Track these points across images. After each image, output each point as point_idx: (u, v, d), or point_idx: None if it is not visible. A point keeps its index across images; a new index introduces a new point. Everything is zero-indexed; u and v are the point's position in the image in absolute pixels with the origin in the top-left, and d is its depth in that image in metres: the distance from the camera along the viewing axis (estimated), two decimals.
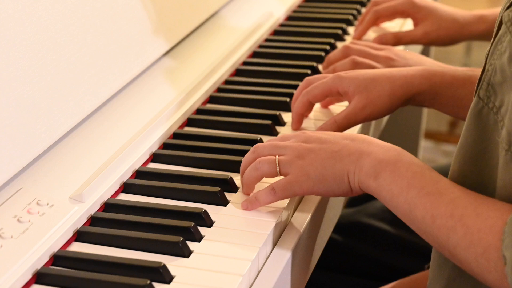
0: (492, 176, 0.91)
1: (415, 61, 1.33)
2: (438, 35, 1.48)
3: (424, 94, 1.17)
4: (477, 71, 1.20)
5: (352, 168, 0.95)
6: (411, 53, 1.37)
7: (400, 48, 1.46)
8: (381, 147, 0.95)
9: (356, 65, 1.31)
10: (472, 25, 1.48)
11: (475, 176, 0.93)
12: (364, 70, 1.20)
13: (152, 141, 1.12)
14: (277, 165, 0.98)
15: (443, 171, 1.56)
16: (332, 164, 0.96)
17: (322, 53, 1.43)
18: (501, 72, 0.88)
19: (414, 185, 0.90)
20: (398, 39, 1.49)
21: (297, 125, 1.20)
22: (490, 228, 0.84)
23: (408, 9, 1.49)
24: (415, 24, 1.51)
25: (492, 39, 0.95)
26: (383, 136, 1.59)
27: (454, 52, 3.14)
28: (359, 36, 1.53)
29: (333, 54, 1.37)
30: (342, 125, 1.16)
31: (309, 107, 1.20)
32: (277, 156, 0.98)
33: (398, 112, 1.25)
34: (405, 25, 1.60)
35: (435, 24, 1.48)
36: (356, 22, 1.61)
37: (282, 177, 0.99)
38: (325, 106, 1.26)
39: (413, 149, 2.26)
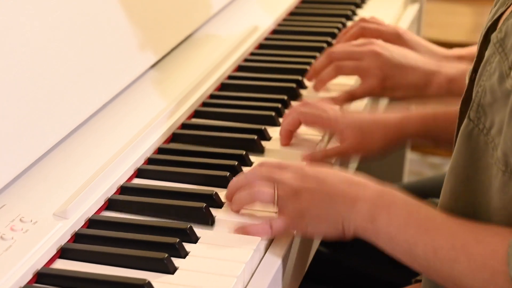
0: (484, 197, 0.91)
1: (399, 53, 1.35)
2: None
3: (417, 138, 1.21)
4: None
5: (347, 215, 0.95)
6: (395, 46, 1.38)
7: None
8: (376, 191, 0.95)
9: (340, 70, 1.33)
10: (451, 62, 1.48)
11: (467, 198, 0.93)
12: (361, 115, 1.21)
13: (136, 156, 1.12)
14: (275, 201, 0.97)
15: (430, 183, 1.57)
16: (327, 208, 0.96)
17: (307, 67, 1.42)
18: (491, 93, 0.88)
19: (411, 223, 0.91)
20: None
21: (286, 141, 1.20)
22: (494, 253, 0.85)
23: (394, 39, 1.49)
24: None
25: (475, 59, 0.95)
26: None
27: None
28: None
29: (317, 63, 1.37)
30: (330, 157, 1.18)
31: (299, 126, 1.20)
32: (275, 192, 0.97)
33: None
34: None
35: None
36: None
37: None
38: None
39: (399, 162, 2.25)
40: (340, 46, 1.36)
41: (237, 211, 1.01)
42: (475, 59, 0.96)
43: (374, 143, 1.18)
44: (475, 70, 0.95)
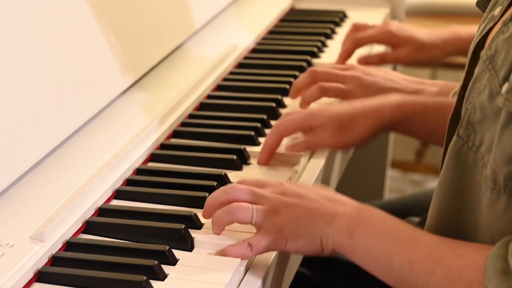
0: (471, 215, 0.91)
1: (381, 77, 1.35)
2: (422, 57, 1.52)
3: (396, 124, 1.20)
4: (450, 99, 1.21)
5: (326, 230, 0.94)
6: (378, 69, 1.39)
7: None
8: (355, 207, 0.95)
9: (324, 91, 1.33)
10: (450, 44, 1.51)
11: (454, 215, 0.93)
12: (338, 107, 1.22)
13: (115, 178, 1.11)
14: (254, 216, 0.97)
15: (411, 201, 1.57)
16: (307, 224, 0.95)
17: (287, 86, 1.42)
18: (481, 110, 0.88)
19: (389, 237, 0.91)
20: (382, 59, 1.52)
21: (265, 160, 1.19)
22: (471, 264, 0.85)
23: (387, 39, 1.52)
24: (393, 49, 1.55)
25: (464, 75, 0.95)
26: (351, 166, 1.59)
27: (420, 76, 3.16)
28: (342, 63, 1.55)
29: (299, 80, 1.37)
30: (312, 147, 1.20)
31: (280, 141, 1.20)
32: (254, 206, 0.97)
33: None
34: None
35: (417, 48, 1.51)
36: (320, 54, 1.61)
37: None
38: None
39: (380, 179, 2.25)
40: (323, 67, 1.37)
41: (218, 233, 1.00)
42: (464, 75, 0.96)
43: (354, 130, 1.18)
44: (464, 87, 0.95)
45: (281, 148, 1.21)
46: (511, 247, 0.82)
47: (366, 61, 1.51)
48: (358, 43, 1.53)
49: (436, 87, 1.34)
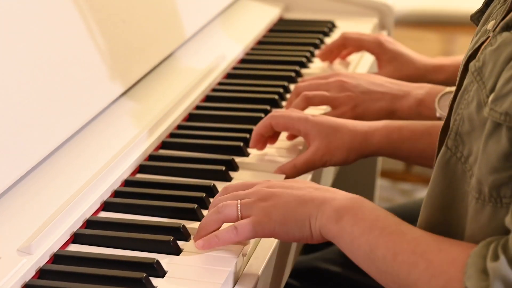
0: (459, 226, 0.91)
1: (365, 80, 1.36)
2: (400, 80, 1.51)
3: (383, 150, 1.21)
4: (437, 122, 1.22)
5: (314, 213, 0.95)
6: (361, 74, 1.39)
7: None
8: (344, 195, 0.96)
9: (309, 100, 1.33)
10: (432, 74, 1.50)
11: (442, 227, 0.93)
12: (329, 117, 1.23)
13: (103, 189, 1.10)
14: (238, 208, 0.97)
15: (402, 211, 1.57)
16: (295, 207, 0.96)
17: (276, 96, 1.42)
18: (469, 121, 0.88)
19: (377, 226, 0.91)
20: None
21: (254, 143, 1.22)
22: (453, 261, 0.85)
23: (375, 48, 1.51)
24: (379, 65, 1.53)
25: (456, 88, 0.95)
26: (340, 175, 1.59)
27: None
28: (324, 58, 1.56)
29: (289, 101, 1.37)
30: (301, 170, 1.20)
31: (270, 131, 1.22)
32: (238, 201, 0.98)
33: None
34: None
35: (398, 70, 1.50)
36: (309, 64, 1.61)
37: None
38: (290, 138, 1.28)
39: (369, 188, 2.25)
40: (306, 81, 1.37)
41: (208, 233, 0.99)
42: (455, 87, 0.96)
43: (339, 149, 1.19)
44: (455, 99, 0.95)
45: (269, 157, 1.22)
46: (491, 247, 0.83)
47: None
48: (346, 42, 1.54)
49: (422, 90, 1.34)
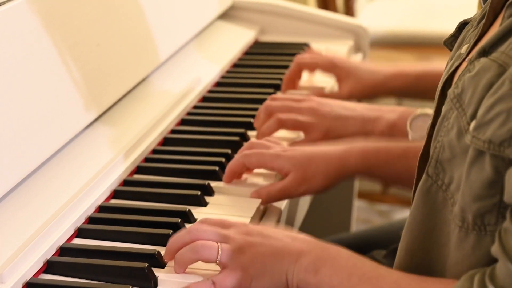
0: (440, 254, 0.90)
1: (337, 105, 1.36)
2: (362, 93, 1.51)
3: (360, 173, 1.21)
4: (414, 143, 1.22)
5: (291, 268, 0.94)
6: (333, 100, 1.39)
7: None
8: (320, 246, 0.95)
9: (282, 123, 1.33)
10: (392, 81, 1.51)
11: (423, 254, 0.93)
12: (301, 148, 1.22)
13: (77, 215, 1.09)
14: (219, 255, 0.96)
15: (378, 233, 1.56)
16: (272, 262, 0.94)
17: (251, 120, 1.41)
18: (450, 149, 0.88)
19: (355, 273, 0.91)
20: (321, 95, 1.50)
21: (228, 180, 1.21)
22: None
23: (329, 68, 1.52)
24: (338, 81, 1.53)
25: (433, 114, 0.95)
26: (317, 197, 1.58)
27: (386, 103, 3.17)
28: (286, 88, 1.56)
29: (256, 119, 1.36)
30: (274, 197, 1.18)
31: (244, 168, 1.21)
32: (219, 245, 0.96)
33: None
34: None
35: (358, 83, 1.50)
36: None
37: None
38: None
39: (347, 209, 2.25)
40: (278, 100, 1.36)
41: (181, 272, 0.99)
42: (432, 114, 0.96)
43: (316, 177, 1.18)
44: (433, 126, 0.95)
45: (246, 182, 1.21)
46: (476, 279, 0.82)
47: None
48: (300, 67, 1.54)
49: (394, 114, 1.35)
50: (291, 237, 0.97)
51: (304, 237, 0.97)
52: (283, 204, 1.21)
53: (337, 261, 0.92)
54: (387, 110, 1.36)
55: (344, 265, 0.92)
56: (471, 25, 0.97)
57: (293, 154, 1.19)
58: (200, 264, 0.98)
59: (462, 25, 1.00)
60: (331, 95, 1.50)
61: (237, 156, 1.21)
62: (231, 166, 1.21)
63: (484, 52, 0.87)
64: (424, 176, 0.92)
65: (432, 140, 0.92)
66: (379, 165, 1.20)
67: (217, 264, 0.96)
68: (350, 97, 1.50)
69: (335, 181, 1.20)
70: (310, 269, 0.92)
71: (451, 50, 1.01)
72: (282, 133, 1.36)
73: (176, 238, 0.99)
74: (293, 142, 1.33)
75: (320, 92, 1.52)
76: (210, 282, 0.95)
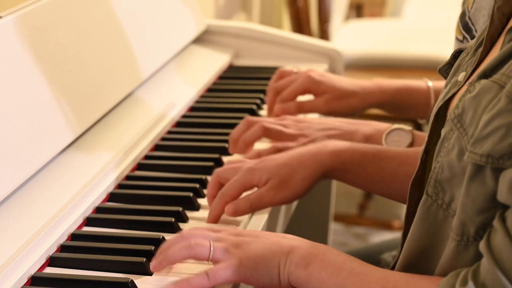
0: (435, 267, 0.93)
1: (317, 121, 1.38)
2: (340, 105, 1.50)
3: (334, 171, 1.21)
4: (386, 147, 1.24)
5: (283, 260, 0.97)
6: (310, 117, 1.40)
7: None
8: (310, 243, 0.99)
9: (267, 131, 1.34)
10: (371, 95, 1.51)
11: (420, 271, 0.95)
12: (274, 156, 1.22)
13: (49, 244, 1.08)
14: (211, 252, 0.99)
15: (357, 255, 1.56)
16: (266, 254, 0.98)
17: (226, 145, 1.41)
18: (450, 169, 0.90)
19: (344, 268, 0.94)
20: (300, 108, 1.50)
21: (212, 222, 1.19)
22: None
23: (309, 85, 1.50)
24: (316, 96, 1.52)
25: (428, 135, 0.98)
26: (293, 219, 1.58)
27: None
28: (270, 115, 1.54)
29: (235, 132, 1.36)
30: (255, 206, 1.18)
31: (221, 187, 1.20)
32: (212, 243, 0.99)
33: (307, 195, 1.25)
34: None
35: (336, 95, 1.49)
36: (259, 112, 1.61)
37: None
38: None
39: (323, 232, 2.24)
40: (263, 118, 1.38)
41: (170, 264, 1.01)
42: (426, 139, 0.99)
43: (294, 180, 1.18)
44: (426, 151, 0.98)
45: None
46: (461, 275, 0.84)
47: (283, 110, 1.49)
48: (279, 90, 1.52)
49: (369, 127, 1.37)
50: (281, 236, 1.01)
51: (293, 236, 1.01)
52: (260, 226, 1.20)
53: (327, 256, 0.96)
54: (362, 123, 1.38)
55: (334, 261, 0.95)
56: (467, 52, 1.00)
57: (266, 164, 1.19)
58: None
59: (457, 53, 1.03)
60: (308, 102, 1.50)
61: (216, 201, 1.18)
62: (208, 191, 1.21)
63: (485, 75, 0.89)
64: (424, 196, 0.94)
65: (426, 163, 0.95)
66: (354, 164, 1.20)
67: (209, 262, 0.99)
68: (327, 107, 1.50)
69: (313, 181, 1.19)
70: (300, 263, 0.96)
71: (445, 77, 1.03)
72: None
73: (168, 241, 1.02)
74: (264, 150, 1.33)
75: (297, 103, 1.51)
76: (204, 274, 0.97)
